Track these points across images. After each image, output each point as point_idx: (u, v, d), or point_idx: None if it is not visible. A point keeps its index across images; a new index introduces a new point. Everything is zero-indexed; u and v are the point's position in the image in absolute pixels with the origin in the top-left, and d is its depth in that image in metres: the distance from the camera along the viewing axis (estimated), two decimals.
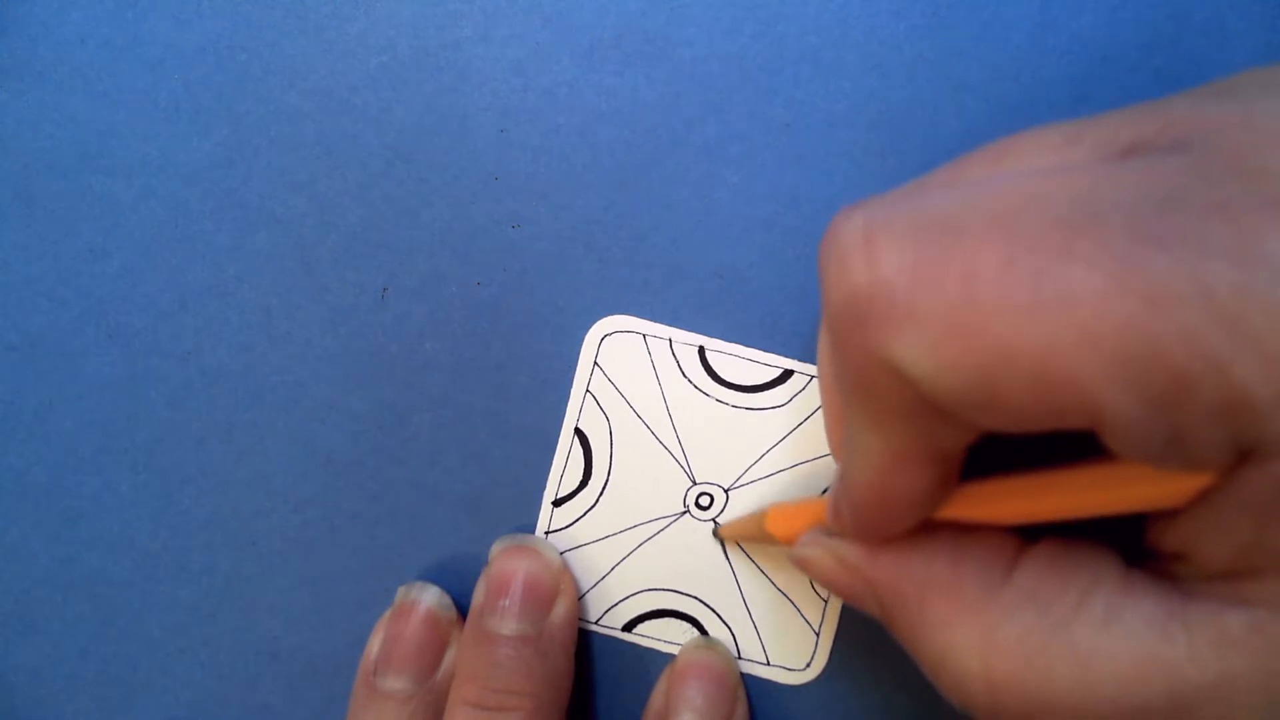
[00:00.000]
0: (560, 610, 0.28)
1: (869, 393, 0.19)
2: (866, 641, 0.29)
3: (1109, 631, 0.19)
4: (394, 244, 0.29)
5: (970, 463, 0.21)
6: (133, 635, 0.30)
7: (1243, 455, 0.16)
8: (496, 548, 0.29)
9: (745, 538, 0.29)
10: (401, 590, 0.29)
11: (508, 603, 0.28)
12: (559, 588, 0.28)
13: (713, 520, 0.29)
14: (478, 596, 0.28)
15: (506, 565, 0.28)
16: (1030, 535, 0.21)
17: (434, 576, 0.30)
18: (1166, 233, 0.15)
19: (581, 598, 0.30)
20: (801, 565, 0.25)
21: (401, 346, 0.29)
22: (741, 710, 0.29)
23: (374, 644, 0.29)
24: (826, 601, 0.29)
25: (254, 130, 0.29)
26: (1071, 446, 0.19)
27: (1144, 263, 0.15)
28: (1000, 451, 0.21)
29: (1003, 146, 0.20)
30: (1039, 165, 0.19)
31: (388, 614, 0.29)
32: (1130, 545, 0.20)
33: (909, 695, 0.29)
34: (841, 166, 0.28)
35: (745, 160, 0.29)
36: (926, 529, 0.22)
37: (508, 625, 0.27)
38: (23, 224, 0.29)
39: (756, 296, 0.29)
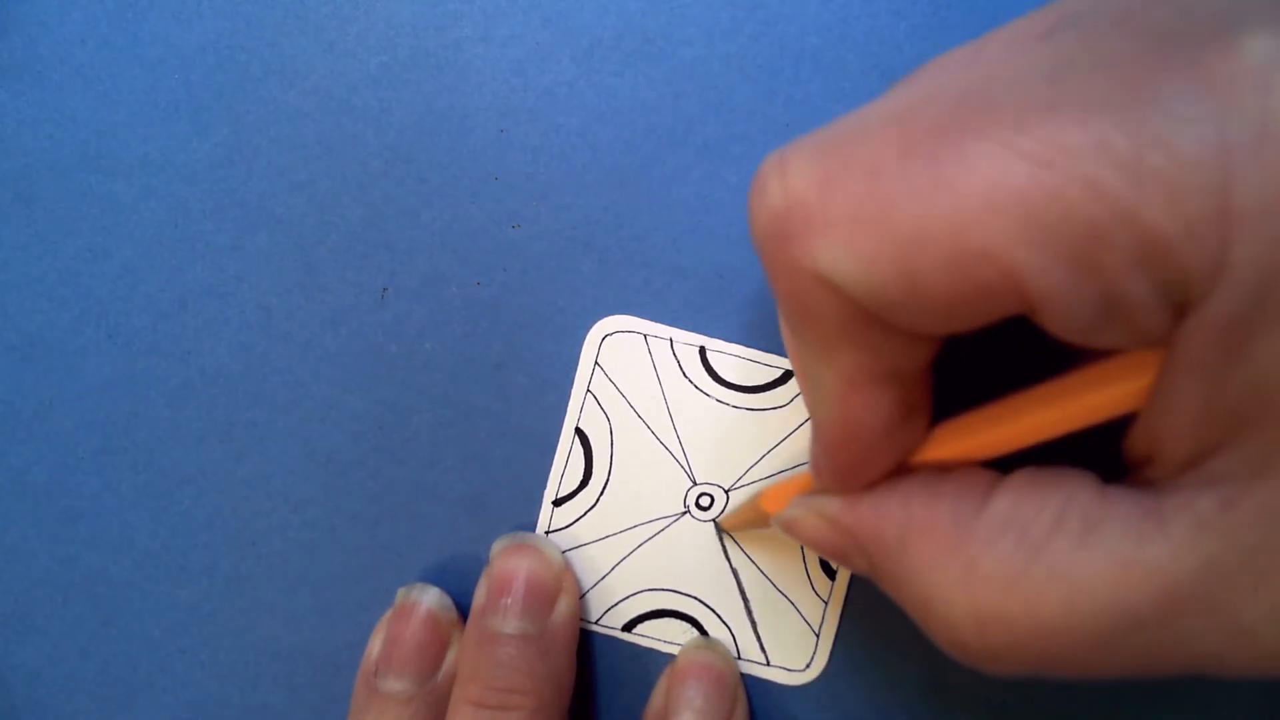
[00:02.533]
0: (562, 609, 0.28)
1: (807, 316, 0.19)
2: (866, 642, 0.29)
3: (1087, 545, 0.18)
4: (394, 244, 0.29)
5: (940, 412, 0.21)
6: (133, 635, 0.30)
7: (1177, 313, 0.16)
8: (497, 546, 0.29)
9: (745, 524, 0.29)
10: (401, 591, 0.29)
11: (510, 601, 0.28)
12: (561, 586, 0.28)
13: (713, 521, 0.29)
14: (479, 596, 0.28)
15: (508, 564, 0.28)
16: (1006, 470, 0.21)
17: (434, 576, 0.30)
18: (1057, 97, 0.16)
19: (582, 597, 0.30)
20: (788, 529, 0.24)
21: (401, 346, 0.29)
22: (741, 710, 0.29)
23: (374, 645, 0.29)
24: (826, 602, 0.29)
25: (254, 130, 0.29)
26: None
27: (1036, 126, 0.15)
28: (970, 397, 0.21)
29: (914, 72, 0.20)
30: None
31: (388, 615, 0.29)
32: (1108, 469, 0.20)
33: (908, 695, 0.29)
34: None
35: (745, 160, 0.29)
36: (903, 474, 0.22)
37: (510, 624, 0.27)
38: (23, 224, 0.29)
39: (757, 296, 0.29)
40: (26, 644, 0.30)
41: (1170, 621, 0.18)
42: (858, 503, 0.22)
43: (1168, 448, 0.18)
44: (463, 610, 0.29)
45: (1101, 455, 0.20)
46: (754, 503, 0.27)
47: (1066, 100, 0.16)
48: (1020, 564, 0.19)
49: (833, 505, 0.23)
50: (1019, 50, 0.18)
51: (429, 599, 0.29)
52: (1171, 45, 0.16)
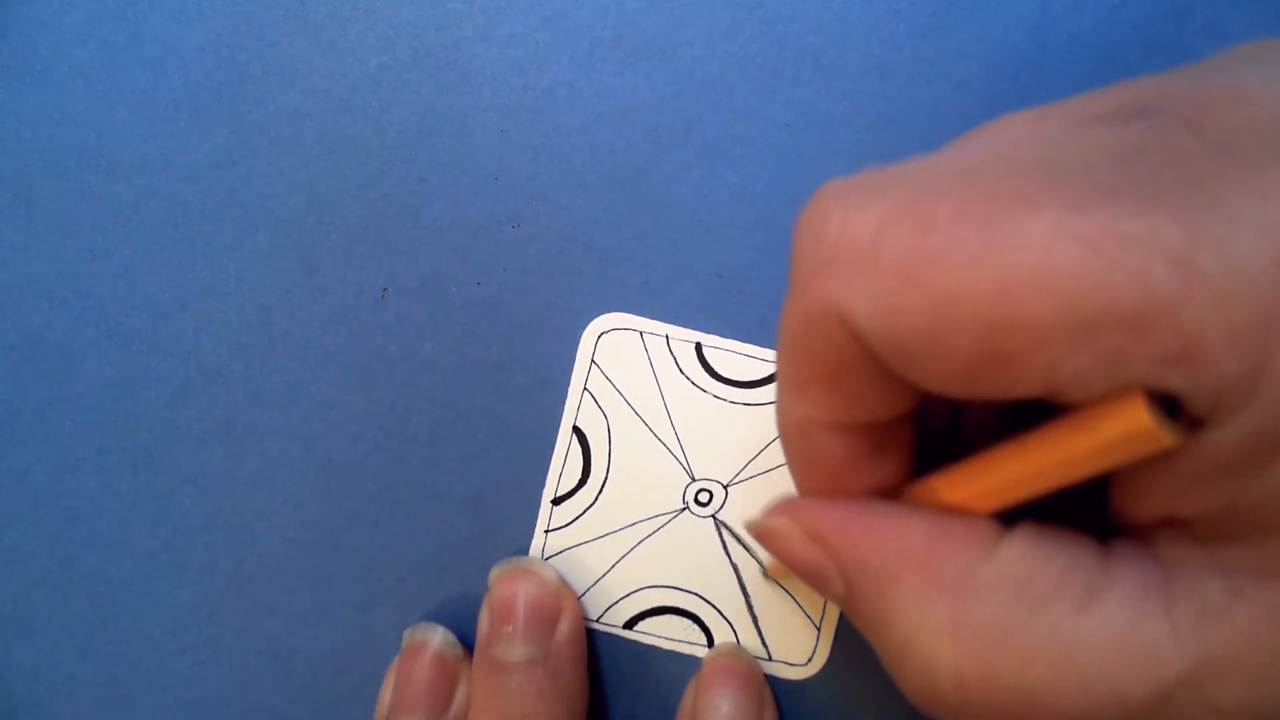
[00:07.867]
0: (564, 628, 0.28)
1: (808, 346, 0.19)
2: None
3: (1087, 613, 0.18)
4: (394, 244, 0.29)
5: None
6: (133, 635, 0.30)
7: (1210, 410, 0.16)
8: (495, 573, 0.29)
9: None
10: (407, 633, 0.29)
11: (512, 629, 0.27)
12: (561, 605, 0.28)
13: (713, 516, 0.29)
14: (483, 625, 0.28)
15: (506, 591, 0.28)
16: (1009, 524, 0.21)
17: (434, 577, 0.30)
18: (1119, 183, 0.16)
19: (582, 595, 0.30)
20: (764, 538, 0.24)
21: (401, 346, 0.29)
22: (770, 713, 0.29)
23: (385, 694, 0.29)
24: None
25: (254, 130, 0.29)
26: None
27: (1094, 209, 0.15)
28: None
29: (976, 130, 0.21)
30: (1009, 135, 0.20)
31: (395, 661, 0.29)
32: (1102, 529, 0.20)
33: None
34: (841, 166, 0.28)
35: (745, 160, 0.29)
36: (905, 508, 0.21)
37: (515, 651, 0.27)
38: (23, 224, 0.29)
39: (757, 297, 0.29)
40: (26, 644, 0.30)
41: (1156, 708, 0.17)
42: (851, 525, 0.21)
43: (1177, 524, 0.18)
44: (466, 641, 0.29)
45: (1086, 513, 0.20)
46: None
47: (1128, 188, 0.15)
48: (1016, 621, 0.18)
49: (823, 520, 0.22)
50: (1086, 128, 0.18)
51: (436, 639, 0.28)
52: (1239, 152, 0.15)
